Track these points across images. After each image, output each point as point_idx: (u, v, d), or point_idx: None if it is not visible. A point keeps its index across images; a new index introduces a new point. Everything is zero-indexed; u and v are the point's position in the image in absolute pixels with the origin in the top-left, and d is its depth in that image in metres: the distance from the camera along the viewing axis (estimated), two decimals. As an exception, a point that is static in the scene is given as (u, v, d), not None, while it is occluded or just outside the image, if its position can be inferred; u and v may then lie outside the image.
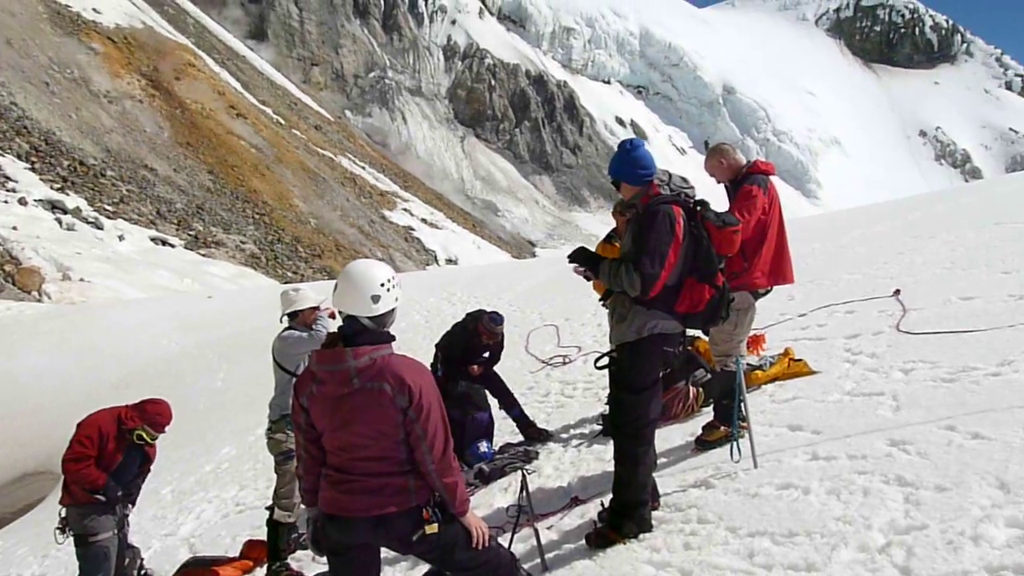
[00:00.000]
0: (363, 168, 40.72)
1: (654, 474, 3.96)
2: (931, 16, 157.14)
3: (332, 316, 5.07)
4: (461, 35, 73.49)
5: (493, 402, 6.47)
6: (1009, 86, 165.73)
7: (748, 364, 5.67)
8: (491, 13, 78.82)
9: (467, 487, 5.44)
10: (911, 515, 3.11)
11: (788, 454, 4.14)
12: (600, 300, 4.16)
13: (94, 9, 29.68)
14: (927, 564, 2.79)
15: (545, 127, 72.95)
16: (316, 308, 5.38)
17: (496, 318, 6.40)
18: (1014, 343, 4.91)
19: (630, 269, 3.57)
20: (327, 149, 38.89)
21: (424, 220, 39.94)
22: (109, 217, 17.66)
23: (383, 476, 2.77)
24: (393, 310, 2.90)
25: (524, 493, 4.13)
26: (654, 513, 3.90)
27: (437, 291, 17.56)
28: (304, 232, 27.01)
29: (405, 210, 39.56)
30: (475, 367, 6.42)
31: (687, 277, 3.63)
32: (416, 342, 11.79)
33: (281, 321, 5.38)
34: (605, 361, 3.86)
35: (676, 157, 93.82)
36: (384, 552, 3.10)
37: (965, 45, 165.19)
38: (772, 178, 4.76)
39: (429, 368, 3.67)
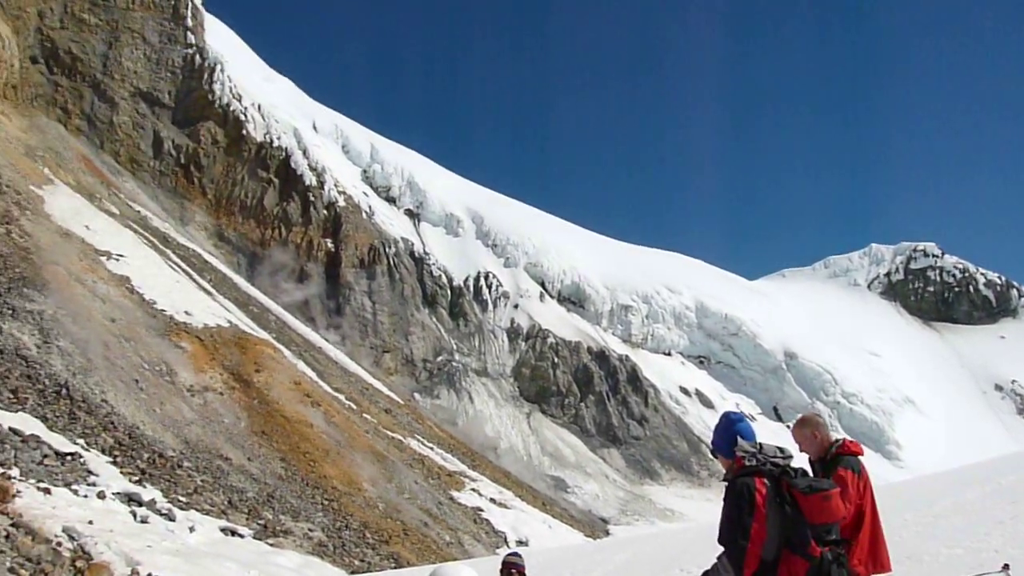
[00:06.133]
0: (431, 449, 40.93)
1: None
2: (983, 274, 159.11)
3: None
4: (524, 318, 76.88)
5: None
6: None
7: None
8: (551, 296, 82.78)
9: None
10: None
11: None
12: None
13: (186, 312, 32.27)
14: None
15: (610, 400, 73.30)
16: None
17: (513, 552, 6.22)
18: None
19: (723, 553, 3.45)
20: (396, 431, 39.45)
21: (493, 500, 39.13)
22: (182, 508, 17.81)
23: None
24: None
25: None
26: None
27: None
28: (372, 517, 26.62)
29: (473, 490, 38.97)
30: None
31: (783, 549, 3.47)
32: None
33: None
34: None
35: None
36: None
37: (1023, 299, 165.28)
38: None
39: None
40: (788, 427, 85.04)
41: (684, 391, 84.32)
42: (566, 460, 66.19)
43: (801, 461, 3.99)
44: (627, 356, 79.89)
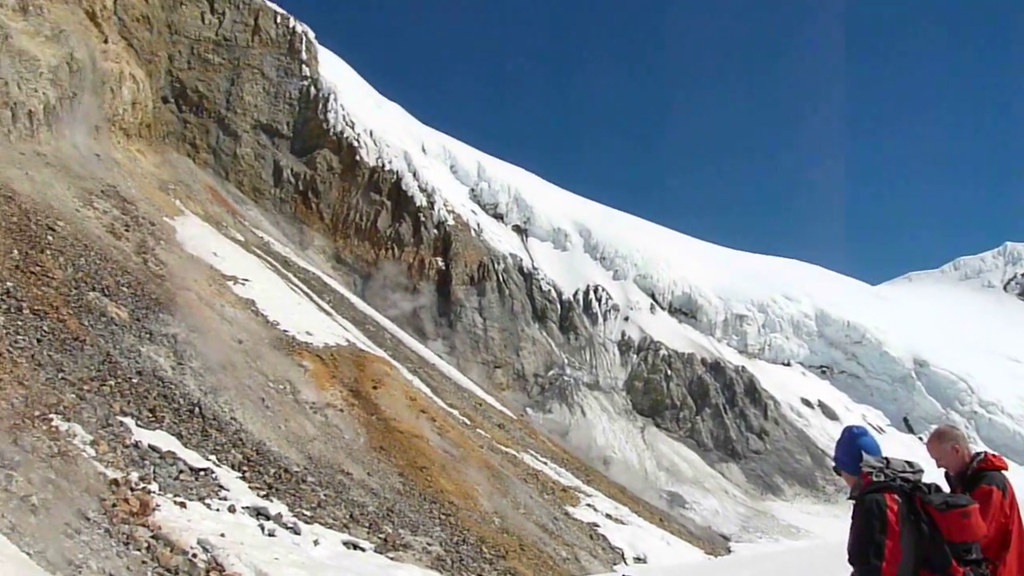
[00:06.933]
0: (545, 463, 40.90)
1: None
2: None
3: None
4: (635, 330, 75.97)
5: None
6: None
7: None
8: (662, 308, 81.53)
9: None
10: None
11: None
12: None
13: (307, 332, 33.56)
14: None
15: (727, 413, 71.37)
16: None
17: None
18: None
19: (854, 573, 3.30)
20: (510, 446, 39.63)
21: (608, 516, 38.69)
22: (306, 522, 18.46)
23: None
24: None
25: None
26: None
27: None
28: (489, 532, 26.80)
29: (589, 505, 38.66)
30: None
31: (920, 570, 3.27)
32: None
33: None
34: None
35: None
36: None
37: None
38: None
39: None
40: (921, 439, 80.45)
41: (806, 403, 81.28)
42: (683, 475, 64.79)
43: (934, 476, 3.76)
44: (743, 367, 77.78)
